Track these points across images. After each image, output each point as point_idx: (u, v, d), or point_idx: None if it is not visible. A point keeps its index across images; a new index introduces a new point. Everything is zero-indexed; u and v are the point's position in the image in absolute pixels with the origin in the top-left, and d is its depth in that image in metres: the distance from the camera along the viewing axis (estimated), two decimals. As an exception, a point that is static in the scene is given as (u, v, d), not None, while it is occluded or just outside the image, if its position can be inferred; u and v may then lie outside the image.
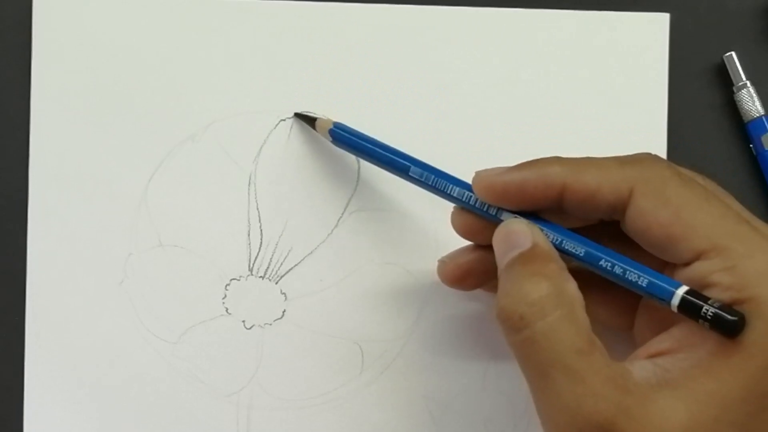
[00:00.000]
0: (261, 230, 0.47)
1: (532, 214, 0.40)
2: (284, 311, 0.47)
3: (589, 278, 0.39)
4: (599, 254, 0.39)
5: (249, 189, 0.48)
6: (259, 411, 0.47)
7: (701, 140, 0.48)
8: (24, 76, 0.48)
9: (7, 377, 0.47)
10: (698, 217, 0.38)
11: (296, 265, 0.47)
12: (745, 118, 0.48)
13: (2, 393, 0.47)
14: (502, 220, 0.41)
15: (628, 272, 0.38)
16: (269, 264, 0.47)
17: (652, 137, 0.48)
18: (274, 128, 0.48)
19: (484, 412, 0.47)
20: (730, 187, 0.48)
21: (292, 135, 0.48)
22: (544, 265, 0.38)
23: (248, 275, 0.47)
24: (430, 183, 0.42)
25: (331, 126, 0.46)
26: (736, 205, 0.40)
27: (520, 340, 0.37)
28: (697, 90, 0.48)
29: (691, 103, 0.48)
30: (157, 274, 0.47)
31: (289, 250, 0.47)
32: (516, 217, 0.40)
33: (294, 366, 0.47)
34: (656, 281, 0.38)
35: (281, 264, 0.47)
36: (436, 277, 0.43)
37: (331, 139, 0.45)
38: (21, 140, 0.48)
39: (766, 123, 0.47)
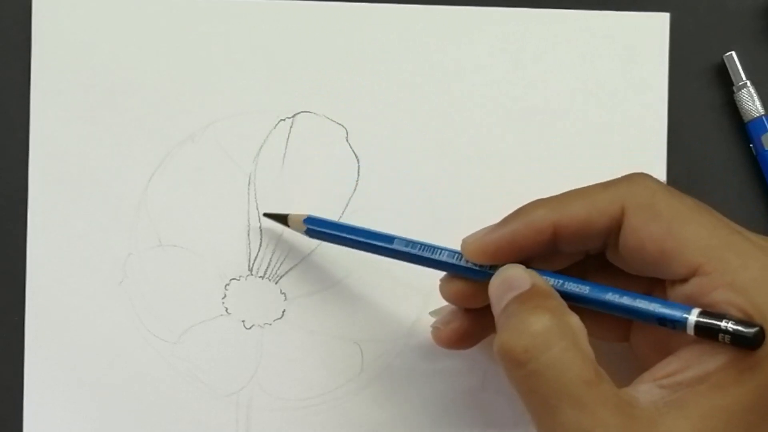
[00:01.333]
0: (261, 230, 0.47)
1: (525, 263, 0.40)
2: (284, 311, 0.47)
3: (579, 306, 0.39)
4: (605, 289, 0.39)
5: (249, 189, 0.48)
6: (258, 411, 0.47)
7: (701, 140, 0.48)
8: (24, 75, 0.48)
9: (7, 377, 0.47)
10: (691, 228, 0.38)
11: (296, 265, 0.47)
12: (745, 118, 0.47)
13: (2, 393, 0.47)
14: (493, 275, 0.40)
15: (637, 301, 0.38)
16: (269, 264, 0.47)
17: (652, 137, 0.48)
18: (274, 128, 0.48)
19: (484, 412, 0.47)
20: (730, 187, 0.48)
21: (291, 135, 0.48)
22: (544, 300, 0.38)
23: (248, 275, 0.47)
24: (416, 251, 0.42)
25: (304, 219, 0.45)
26: (724, 218, 0.40)
27: (524, 374, 0.37)
28: (697, 90, 0.48)
29: (691, 103, 0.48)
30: (157, 274, 0.47)
31: (289, 250, 0.47)
32: (510, 264, 0.40)
33: (294, 366, 0.47)
34: (668, 307, 0.38)
35: (281, 264, 0.47)
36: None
37: (305, 230, 0.45)
38: (21, 140, 0.48)
39: (766, 123, 0.47)
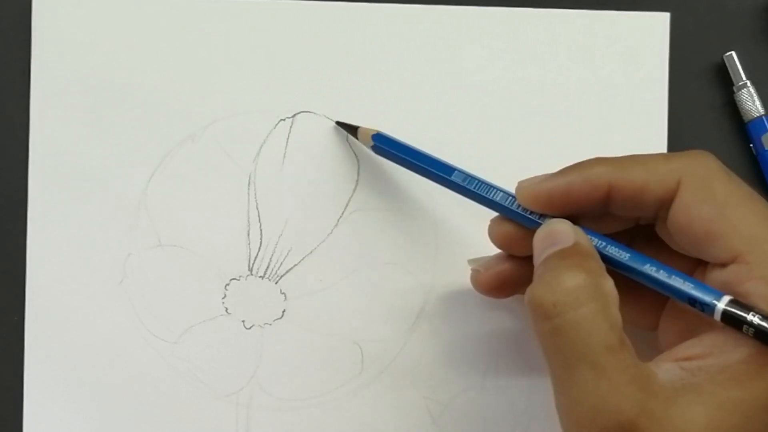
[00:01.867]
0: (261, 230, 0.47)
1: (574, 220, 0.40)
2: (284, 311, 0.47)
3: (617, 278, 0.39)
4: (644, 259, 0.39)
5: (249, 189, 0.48)
6: (258, 411, 0.47)
7: (701, 140, 0.48)
8: (23, 75, 0.48)
9: (7, 377, 0.47)
10: (741, 215, 0.38)
11: (296, 265, 0.47)
12: (745, 118, 0.47)
13: (2, 393, 0.47)
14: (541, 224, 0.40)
15: (672, 278, 0.38)
16: (269, 264, 0.47)
17: (652, 137, 0.48)
18: (274, 128, 0.48)
19: (484, 412, 0.47)
20: (730, 186, 0.48)
21: (291, 135, 0.48)
22: (583, 260, 0.38)
23: (248, 275, 0.47)
24: (472, 188, 0.42)
25: (374, 134, 0.45)
26: None
27: (549, 328, 0.37)
28: (697, 90, 0.48)
29: (691, 103, 0.48)
30: (157, 273, 0.47)
31: (289, 250, 0.47)
32: (558, 218, 0.40)
33: (293, 366, 0.47)
34: (700, 289, 0.37)
35: (281, 264, 0.47)
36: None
37: (372, 146, 0.45)
38: (20, 140, 0.48)
39: (766, 123, 0.47)
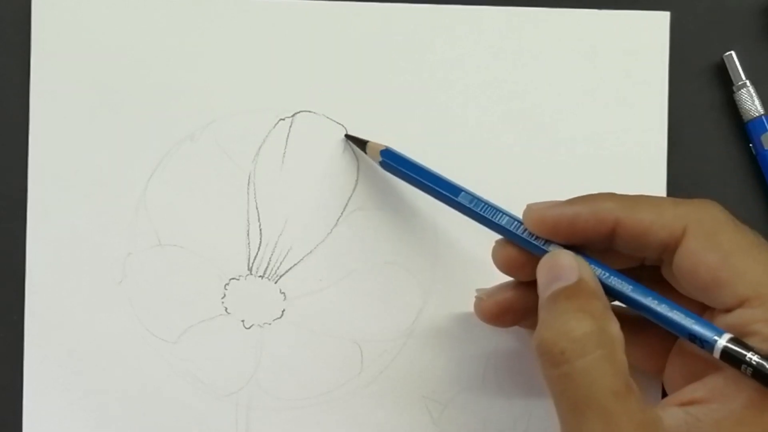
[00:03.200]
0: (260, 230, 0.47)
1: (579, 249, 0.40)
2: (283, 311, 0.47)
3: (624, 319, 0.39)
4: (647, 292, 0.39)
5: (248, 188, 0.48)
6: (258, 411, 0.47)
7: (701, 140, 0.48)
8: (23, 75, 0.48)
9: (7, 377, 0.47)
10: (747, 263, 0.38)
11: (295, 264, 0.47)
12: (745, 118, 0.47)
13: (2, 392, 0.47)
14: (547, 252, 0.40)
15: (674, 312, 0.38)
16: (268, 263, 0.47)
17: (652, 137, 0.47)
18: (273, 127, 0.48)
19: (484, 412, 0.47)
20: (730, 186, 0.48)
21: (291, 134, 0.48)
22: (588, 302, 0.38)
23: (247, 275, 0.47)
24: (478, 210, 0.42)
25: (382, 149, 0.45)
26: None
27: (557, 374, 0.37)
28: (697, 89, 0.48)
29: (691, 103, 0.48)
30: (156, 273, 0.47)
31: (289, 250, 0.47)
32: (562, 249, 0.40)
33: (293, 366, 0.47)
34: (701, 325, 0.38)
35: (280, 263, 0.47)
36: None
37: (380, 161, 0.45)
38: (20, 140, 0.48)
39: (765, 122, 0.47)
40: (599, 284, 0.39)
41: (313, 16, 0.48)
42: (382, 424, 0.47)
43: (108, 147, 0.48)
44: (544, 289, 0.39)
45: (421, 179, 0.44)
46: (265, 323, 0.47)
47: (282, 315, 0.47)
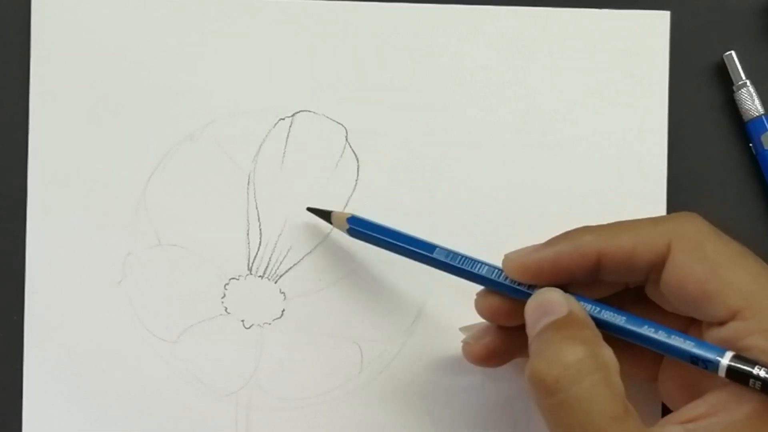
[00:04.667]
0: (260, 229, 0.47)
1: (563, 287, 0.40)
2: (283, 311, 0.47)
3: (613, 337, 0.39)
4: (641, 321, 0.39)
5: (248, 188, 0.48)
6: (257, 411, 0.47)
7: (701, 140, 0.48)
8: (23, 75, 0.48)
9: (7, 377, 0.47)
10: (735, 273, 0.38)
11: (295, 264, 0.47)
12: (745, 118, 0.47)
13: (2, 392, 0.47)
14: (531, 294, 0.40)
15: (672, 338, 0.38)
16: (268, 263, 0.47)
17: (652, 137, 0.47)
18: (273, 127, 0.48)
19: (484, 412, 0.47)
20: (730, 186, 0.48)
21: (291, 134, 0.48)
22: (579, 330, 0.38)
23: (247, 274, 0.47)
24: (456, 263, 0.42)
25: (348, 217, 0.45)
26: None
27: (553, 403, 0.37)
28: (697, 89, 0.48)
29: (691, 103, 0.48)
30: (156, 273, 0.47)
31: (288, 250, 0.47)
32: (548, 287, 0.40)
33: (293, 365, 0.47)
34: (701, 347, 0.37)
35: (280, 263, 0.47)
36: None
37: (347, 229, 0.45)
38: (20, 140, 0.48)
39: (765, 122, 0.47)
40: (588, 316, 0.39)
41: (313, 16, 0.48)
42: (382, 424, 0.47)
43: (108, 147, 0.48)
44: (533, 326, 0.39)
45: (392, 240, 0.43)
46: (264, 323, 0.47)
47: (282, 315, 0.47)
